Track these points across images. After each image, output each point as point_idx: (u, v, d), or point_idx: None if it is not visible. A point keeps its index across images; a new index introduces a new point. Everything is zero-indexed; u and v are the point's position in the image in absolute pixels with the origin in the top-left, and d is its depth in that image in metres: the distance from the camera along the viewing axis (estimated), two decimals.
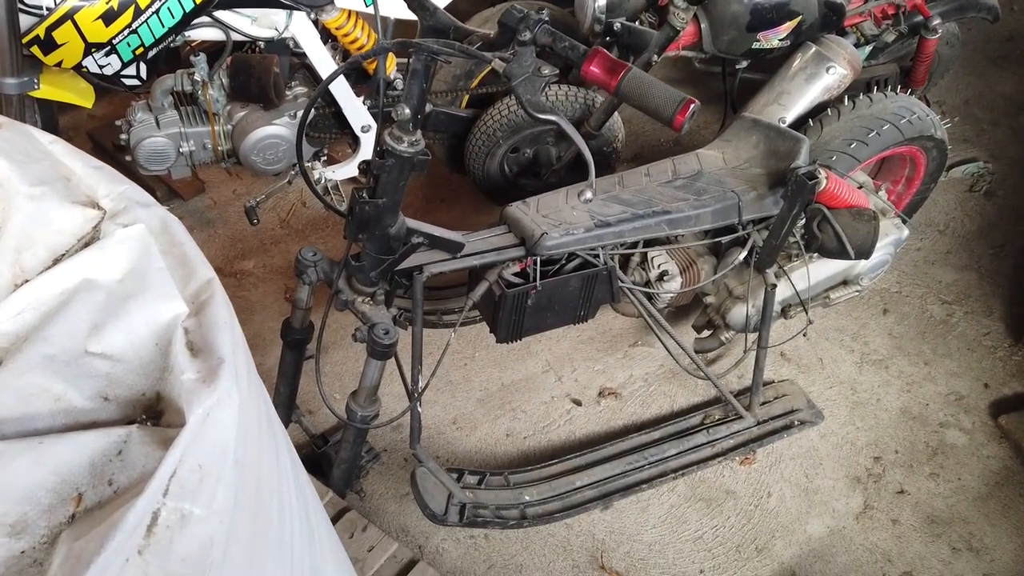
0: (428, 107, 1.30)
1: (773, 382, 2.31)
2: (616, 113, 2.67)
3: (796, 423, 2.20)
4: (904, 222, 2.25)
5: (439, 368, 2.35)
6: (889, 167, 2.47)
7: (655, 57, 2.24)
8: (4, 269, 0.96)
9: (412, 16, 2.32)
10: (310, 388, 2.18)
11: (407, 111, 1.35)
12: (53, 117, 2.31)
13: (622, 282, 1.94)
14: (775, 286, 2.02)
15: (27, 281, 0.94)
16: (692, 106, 1.18)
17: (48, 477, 0.75)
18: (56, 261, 0.99)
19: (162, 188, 2.88)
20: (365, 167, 1.47)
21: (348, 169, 2.54)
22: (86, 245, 0.99)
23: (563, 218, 1.80)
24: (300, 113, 2.35)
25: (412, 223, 1.59)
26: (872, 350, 2.42)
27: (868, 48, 2.57)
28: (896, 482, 2.10)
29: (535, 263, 1.80)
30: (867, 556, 1.96)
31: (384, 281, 1.64)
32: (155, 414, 0.83)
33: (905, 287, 2.60)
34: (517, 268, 1.85)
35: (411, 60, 1.33)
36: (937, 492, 2.08)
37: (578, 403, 2.30)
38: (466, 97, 2.71)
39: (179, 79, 2.19)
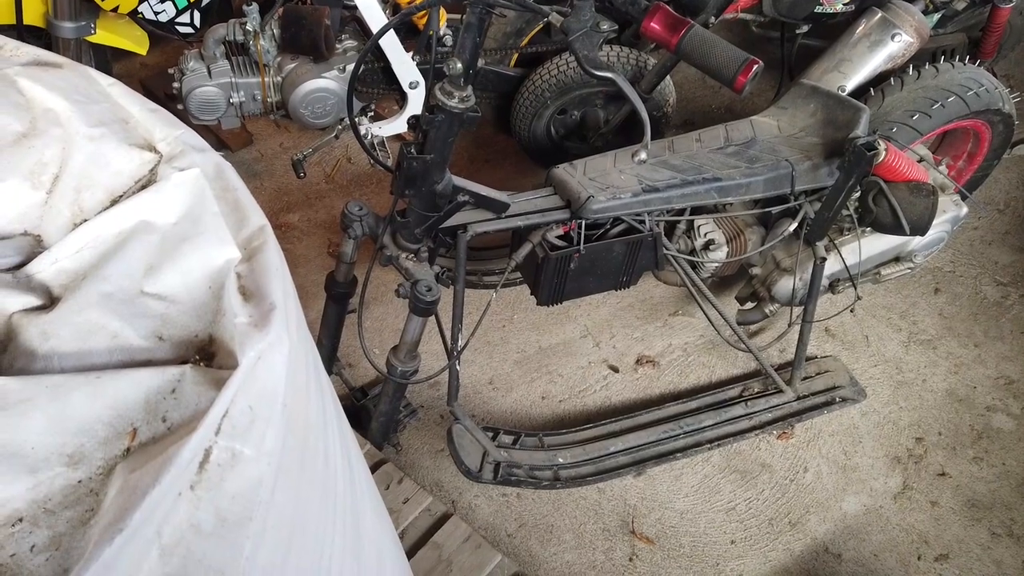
0: (480, 63, 1.28)
1: (816, 357, 2.28)
2: (668, 77, 2.61)
3: (837, 400, 2.17)
4: (964, 199, 2.17)
5: (478, 329, 2.39)
6: (951, 141, 2.38)
7: (712, 19, 2.18)
8: (64, 208, 0.98)
9: None
10: (351, 342, 2.21)
11: (459, 66, 1.33)
12: (107, 64, 2.34)
13: (667, 249, 1.92)
14: (824, 260, 1.98)
15: (86, 220, 0.96)
16: (755, 67, 1.14)
17: (104, 411, 0.77)
18: (114, 202, 1.01)
19: (211, 138, 2.91)
20: (414, 122, 1.46)
21: (395, 125, 2.53)
22: (143, 187, 1.00)
23: (610, 182, 1.78)
24: (350, 67, 2.35)
25: (459, 181, 1.58)
26: (921, 330, 2.36)
27: (936, 16, 2.46)
28: (937, 464, 2.06)
29: (579, 226, 1.78)
30: (903, 536, 1.94)
31: (428, 238, 1.64)
32: (207, 355, 0.85)
33: (959, 267, 2.52)
34: (561, 231, 1.83)
35: (465, 13, 1.31)
36: (980, 476, 2.04)
37: (615, 369, 2.29)
38: (515, 56, 2.67)
39: (232, 28, 2.19)
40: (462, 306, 1.73)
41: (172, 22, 2.03)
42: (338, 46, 2.33)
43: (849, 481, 2.04)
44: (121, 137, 1.03)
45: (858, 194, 1.95)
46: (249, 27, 2.17)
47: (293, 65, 2.30)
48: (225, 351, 0.84)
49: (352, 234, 1.68)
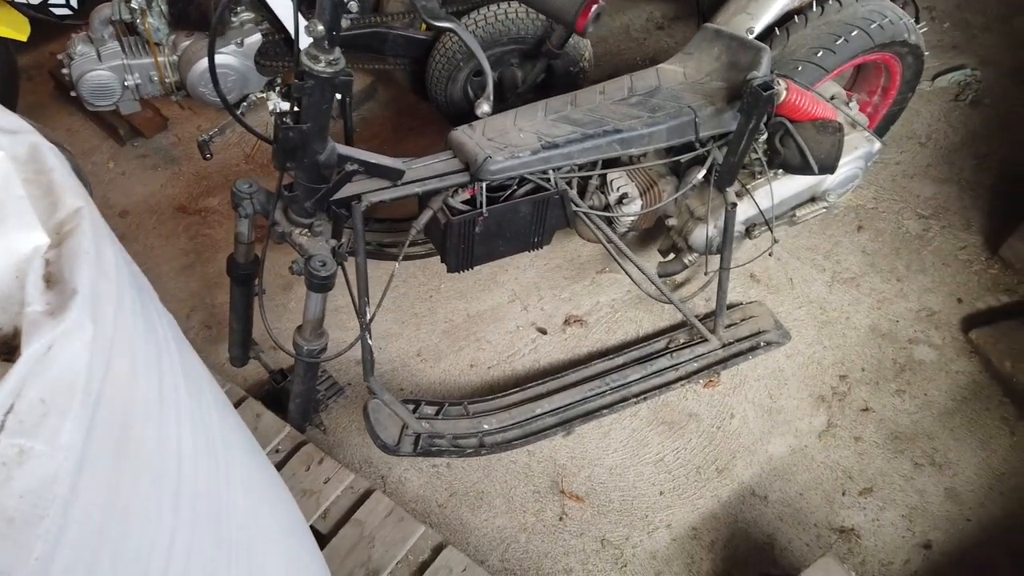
0: (345, 23, 1.22)
1: (741, 304, 2.28)
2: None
3: (762, 344, 2.17)
4: (882, 133, 2.16)
5: (403, 300, 2.35)
6: (864, 77, 2.36)
7: None
8: None
9: None
10: (273, 325, 2.16)
11: (320, 27, 1.28)
12: (10, 56, 2.23)
13: (577, 206, 1.89)
14: (735, 205, 1.96)
15: None
16: (595, 7, 1.10)
17: None
18: None
19: (124, 126, 2.81)
20: (286, 91, 1.40)
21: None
22: None
23: (509, 141, 1.74)
24: (249, 40, 2.27)
25: (344, 149, 1.53)
26: (844, 268, 2.37)
27: None
28: (861, 400, 2.08)
29: (482, 190, 1.74)
30: (828, 473, 1.96)
31: (321, 212, 1.60)
32: (11, 349, 0.80)
33: (881, 203, 2.53)
34: (466, 195, 1.79)
35: None
36: (902, 408, 2.07)
37: (543, 332, 2.27)
38: None
39: (116, 7, 2.10)
40: (366, 278, 1.69)
41: (45, 4, 1.93)
42: (233, 19, 2.24)
43: (775, 424, 2.05)
44: None
45: (765, 136, 1.93)
46: (135, 4, 2.08)
47: (188, 42, 2.21)
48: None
49: (243, 212, 1.63)
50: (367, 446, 2.03)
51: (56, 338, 0.74)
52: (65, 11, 1.98)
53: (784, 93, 1.80)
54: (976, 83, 2.85)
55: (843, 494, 1.92)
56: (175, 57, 2.23)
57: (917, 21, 2.93)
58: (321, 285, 1.56)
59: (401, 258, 1.73)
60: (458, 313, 2.32)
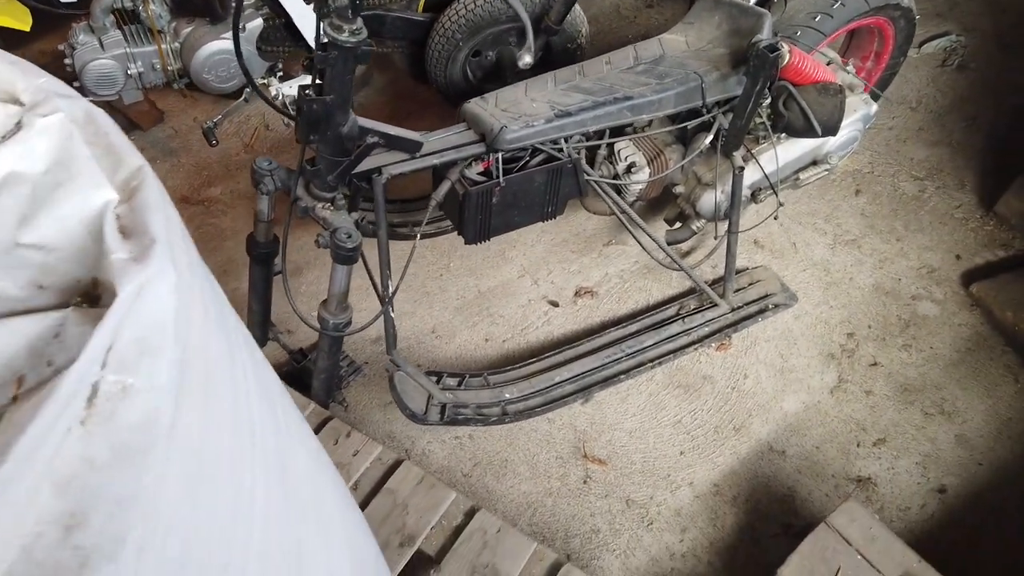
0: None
1: (747, 269, 2.32)
2: (578, 7, 2.59)
3: (770, 307, 2.22)
4: (876, 98, 2.21)
5: (414, 279, 2.37)
6: (858, 42, 2.41)
7: None
8: None
9: None
10: (287, 308, 2.18)
11: None
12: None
13: (588, 175, 1.92)
14: (743, 169, 2.01)
15: None
16: None
17: None
18: None
19: (119, 119, 2.80)
20: (308, 63, 1.42)
21: (305, 82, 2.47)
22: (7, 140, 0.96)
23: (523, 111, 1.77)
24: (251, 24, 2.27)
25: (365, 122, 1.55)
26: (845, 231, 2.42)
27: None
28: (869, 355, 2.14)
29: (497, 160, 1.77)
30: (841, 427, 2.01)
31: (343, 185, 1.61)
32: (92, 298, 0.82)
33: (877, 167, 2.58)
34: (481, 167, 1.82)
35: None
36: (909, 362, 2.12)
37: (555, 304, 2.31)
38: (422, 1, 2.62)
39: None
40: (387, 251, 1.72)
41: None
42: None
43: (787, 382, 2.10)
44: None
45: (768, 101, 1.97)
46: None
47: (190, 28, 2.22)
48: (110, 292, 0.81)
49: (264, 189, 1.65)
50: (389, 422, 2.05)
51: (145, 282, 0.76)
52: None
53: (787, 56, 1.84)
54: (961, 48, 2.91)
55: (858, 445, 1.97)
56: (177, 44, 2.23)
57: None
58: (348, 257, 1.58)
59: (422, 231, 1.75)
60: (470, 290, 2.35)
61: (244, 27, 2.24)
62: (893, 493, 1.89)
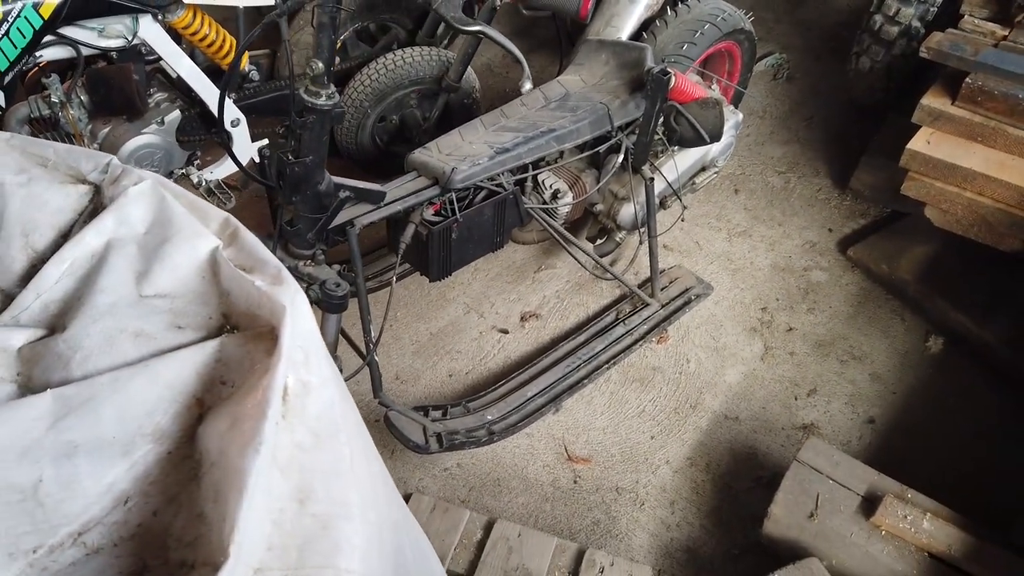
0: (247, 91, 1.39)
1: (665, 270, 2.60)
2: (470, 67, 2.84)
3: (693, 298, 2.51)
4: (736, 103, 2.58)
5: (375, 323, 2.47)
6: (713, 65, 2.82)
7: (498, 2, 2.42)
8: (17, 253, 1.01)
9: (266, 1, 2.37)
10: None
11: (320, 65, 1.44)
12: None
13: (526, 203, 2.13)
14: (653, 180, 2.29)
15: (44, 260, 0.99)
16: None
17: (165, 391, 0.83)
18: (64, 237, 1.04)
19: None
20: (285, 130, 1.54)
21: (226, 167, 2.54)
22: (90, 217, 1.04)
23: (465, 153, 1.96)
24: (168, 118, 2.33)
25: (336, 179, 1.68)
26: (735, 225, 2.78)
27: None
28: (784, 323, 2.46)
29: (450, 200, 1.94)
30: (778, 386, 2.30)
31: (320, 241, 1.72)
32: (232, 327, 0.92)
33: (747, 168, 2.99)
34: (432, 210, 1.98)
35: (316, 14, 1.43)
36: (816, 322, 2.47)
37: (505, 331, 2.47)
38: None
39: (34, 105, 2.11)
40: (366, 297, 1.83)
41: None
42: (150, 100, 2.30)
43: (724, 358, 2.37)
44: (49, 178, 1.06)
45: (662, 119, 2.28)
46: (54, 98, 2.10)
47: (108, 128, 2.25)
48: (248, 317, 0.92)
49: None
50: None
51: (293, 297, 0.88)
52: None
53: (673, 79, 2.16)
54: (786, 63, 3.43)
55: (795, 399, 2.26)
56: (95, 145, 2.25)
57: None
58: (338, 305, 1.68)
59: (396, 272, 1.88)
60: (422, 334, 2.47)
61: (163, 120, 2.30)
62: (834, 431, 2.19)
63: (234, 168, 2.54)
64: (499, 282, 2.63)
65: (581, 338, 2.39)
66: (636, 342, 2.38)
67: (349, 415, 0.87)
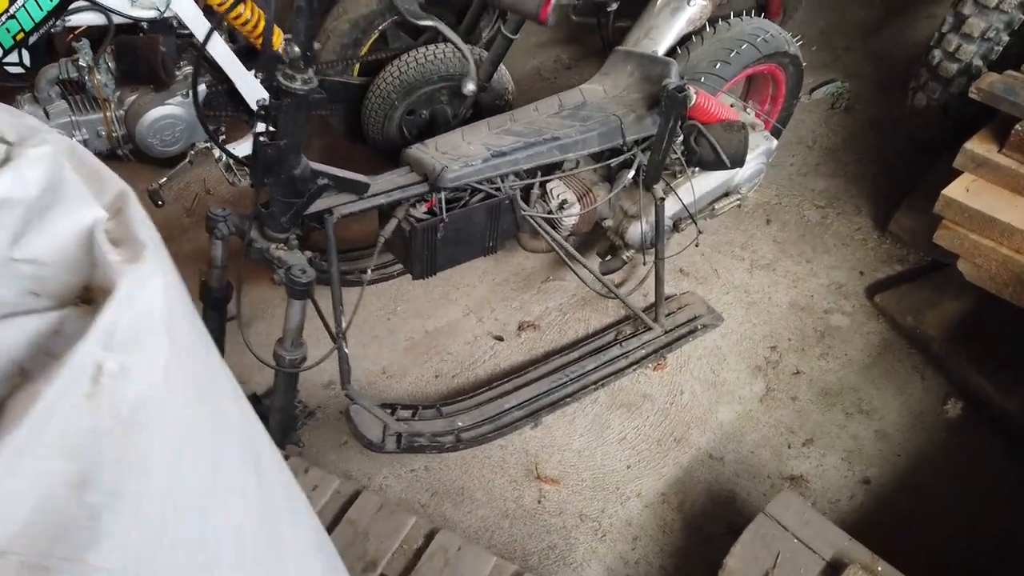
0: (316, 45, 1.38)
1: (676, 295, 2.50)
2: (504, 67, 2.80)
3: (699, 327, 2.39)
4: (777, 133, 2.45)
5: (364, 324, 2.46)
6: (756, 87, 2.69)
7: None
8: None
9: None
10: (237, 359, 2.22)
11: (296, 48, 1.43)
12: None
13: (524, 211, 2.07)
14: (664, 200, 2.20)
15: None
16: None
17: None
18: None
19: None
20: (262, 112, 1.54)
21: (248, 146, 2.58)
22: None
23: (461, 152, 1.92)
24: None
25: (316, 165, 1.67)
26: (760, 256, 2.64)
27: None
28: (792, 365, 2.32)
29: (441, 199, 1.91)
30: (772, 431, 2.16)
31: (296, 226, 1.72)
32: (87, 301, 0.91)
33: (784, 198, 2.84)
34: (425, 208, 1.95)
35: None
36: (828, 368, 2.31)
37: (500, 339, 2.42)
38: (357, 66, 2.79)
39: (64, 67, 2.18)
40: (339, 287, 1.81)
41: (0, 63, 2.00)
42: (178, 73, 2.36)
43: (720, 394, 2.26)
44: None
45: (681, 138, 2.18)
46: (82, 63, 2.17)
47: (134, 96, 2.31)
48: (103, 291, 0.90)
49: (218, 234, 1.73)
50: (344, 461, 2.10)
51: (140, 277, 0.85)
52: (19, 69, 2.05)
53: (694, 97, 2.06)
54: (847, 92, 3.25)
55: (788, 447, 2.13)
56: (122, 112, 2.32)
57: None
58: (302, 292, 1.67)
59: (372, 267, 1.86)
60: (417, 331, 2.44)
61: (187, 93, 2.35)
62: (824, 487, 2.04)
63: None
64: (505, 288, 2.58)
65: (573, 355, 2.32)
66: (630, 366, 2.28)
67: (175, 408, 0.83)
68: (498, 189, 1.99)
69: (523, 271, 2.63)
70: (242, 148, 2.57)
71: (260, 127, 1.55)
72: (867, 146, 3.03)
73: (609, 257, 2.38)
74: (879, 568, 1.61)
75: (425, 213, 1.94)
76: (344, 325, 1.82)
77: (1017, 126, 1.99)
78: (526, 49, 3.63)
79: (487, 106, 2.76)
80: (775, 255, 2.65)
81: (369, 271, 1.84)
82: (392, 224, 1.86)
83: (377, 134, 2.73)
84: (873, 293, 2.49)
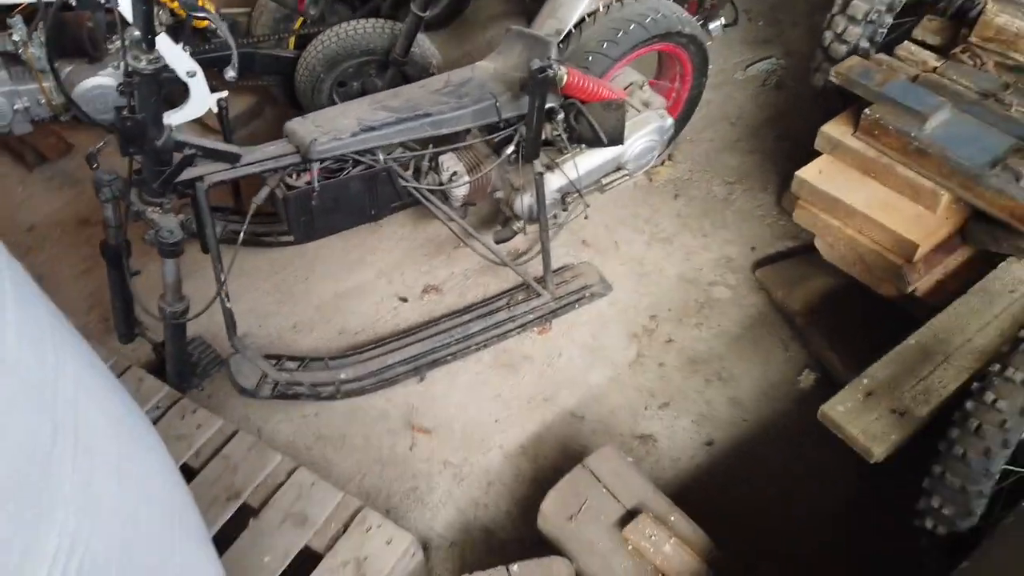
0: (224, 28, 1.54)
1: (572, 265, 2.64)
2: (427, 40, 2.94)
3: (588, 295, 2.53)
4: (688, 115, 2.52)
5: (282, 283, 2.66)
6: (666, 66, 2.77)
7: None
8: None
9: None
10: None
11: (136, 32, 1.61)
12: None
13: (405, 181, 2.23)
14: (542, 174, 2.32)
15: None
16: None
17: None
18: None
19: (30, 152, 3.09)
20: (123, 88, 1.72)
21: (183, 113, 2.77)
22: None
23: (334, 126, 2.08)
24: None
25: (184, 136, 1.86)
26: (660, 230, 2.75)
27: None
28: (666, 334, 2.45)
29: (314, 168, 2.08)
30: (635, 394, 2.31)
31: (169, 192, 1.91)
32: None
33: (696, 173, 2.93)
34: (307, 177, 2.12)
35: None
36: (700, 337, 2.44)
37: (404, 300, 2.60)
38: (292, 39, 2.95)
39: (1, 40, 2.40)
40: (217, 248, 2.01)
41: None
42: (110, 46, 2.56)
43: (596, 359, 2.40)
44: None
45: (561, 116, 2.30)
46: (16, 37, 2.38)
47: (70, 68, 2.52)
48: None
49: (103, 197, 1.94)
50: (245, 405, 2.32)
51: None
52: None
53: (565, 76, 2.18)
54: (780, 70, 3.29)
55: (645, 408, 2.27)
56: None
57: (735, 22, 3.39)
58: (171, 251, 1.87)
59: (245, 228, 2.03)
60: (329, 291, 2.64)
61: (119, 65, 2.55)
62: (669, 447, 2.19)
63: (195, 113, 2.77)
64: (417, 253, 2.75)
65: (465, 317, 2.49)
66: (515, 328, 2.45)
67: None
68: (377, 160, 2.15)
69: (437, 237, 2.79)
70: (176, 116, 2.76)
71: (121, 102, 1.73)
72: (789, 124, 3.09)
73: (498, 228, 2.53)
74: (672, 518, 1.76)
75: (307, 183, 2.12)
76: (223, 278, 2.02)
77: (866, 110, 2.05)
78: (480, 22, 3.74)
79: (415, 79, 2.90)
80: (676, 229, 2.76)
81: (242, 234, 2.03)
82: (264, 192, 2.04)
83: (309, 104, 2.90)
84: (758, 268, 2.59)
